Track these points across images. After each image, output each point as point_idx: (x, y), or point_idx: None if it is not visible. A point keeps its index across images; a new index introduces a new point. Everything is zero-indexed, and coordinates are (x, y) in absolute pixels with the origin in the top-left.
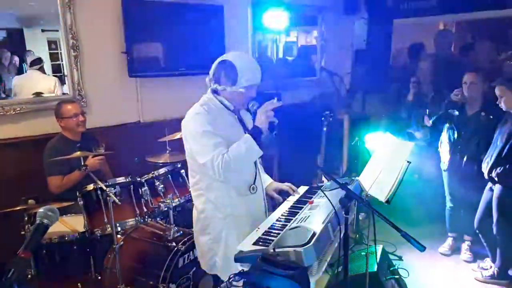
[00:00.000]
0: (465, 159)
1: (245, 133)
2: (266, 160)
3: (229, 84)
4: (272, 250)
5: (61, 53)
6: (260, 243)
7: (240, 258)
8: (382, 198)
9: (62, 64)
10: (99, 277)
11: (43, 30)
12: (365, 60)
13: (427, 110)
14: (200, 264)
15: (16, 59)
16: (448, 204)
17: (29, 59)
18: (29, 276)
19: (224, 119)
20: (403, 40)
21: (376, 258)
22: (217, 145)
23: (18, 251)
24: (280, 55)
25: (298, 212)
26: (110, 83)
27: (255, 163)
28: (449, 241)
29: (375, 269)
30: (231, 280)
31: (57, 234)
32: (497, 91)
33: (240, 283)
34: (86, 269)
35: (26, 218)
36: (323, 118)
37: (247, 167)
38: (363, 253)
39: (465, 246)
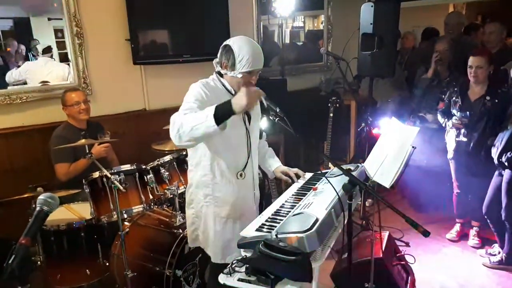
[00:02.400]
0: (471, 145)
1: (244, 120)
2: (270, 146)
3: (229, 68)
4: (274, 236)
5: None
6: (263, 229)
7: (243, 244)
8: (386, 184)
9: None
10: (107, 264)
11: (49, 19)
12: (372, 44)
13: (442, 96)
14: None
15: (23, 47)
16: (456, 189)
17: (40, 47)
18: (38, 263)
19: (221, 99)
20: (412, 23)
21: (382, 245)
22: (188, 108)
23: None
24: (287, 41)
25: (302, 199)
26: (115, 70)
27: (249, 150)
28: (457, 227)
29: (381, 255)
30: (233, 266)
31: (64, 221)
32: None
33: (243, 269)
34: (93, 256)
35: (34, 206)
36: (329, 104)
37: (200, 138)
38: (368, 240)
39: (473, 232)
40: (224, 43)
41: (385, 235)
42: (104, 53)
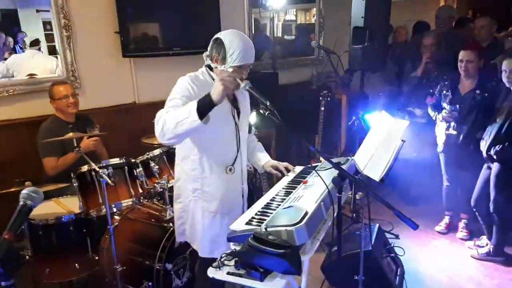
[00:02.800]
0: (461, 138)
1: (233, 115)
2: (262, 140)
3: (220, 62)
4: (264, 230)
5: None
6: (253, 223)
7: (232, 237)
8: (376, 177)
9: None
10: (96, 258)
11: (37, 11)
12: (363, 38)
13: (431, 90)
14: None
15: (10, 40)
16: (445, 183)
17: (27, 40)
18: (26, 257)
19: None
20: (404, 17)
21: (372, 237)
22: (173, 106)
23: None
24: (279, 34)
25: (292, 192)
26: (104, 63)
27: (238, 145)
28: (446, 219)
29: (370, 248)
30: (222, 259)
31: (53, 215)
32: (504, 66)
33: (232, 263)
34: (83, 250)
35: None
36: (321, 98)
37: (185, 134)
38: (357, 232)
39: (461, 224)
40: (215, 36)
41: (375, 227)
42: (93, 46)
